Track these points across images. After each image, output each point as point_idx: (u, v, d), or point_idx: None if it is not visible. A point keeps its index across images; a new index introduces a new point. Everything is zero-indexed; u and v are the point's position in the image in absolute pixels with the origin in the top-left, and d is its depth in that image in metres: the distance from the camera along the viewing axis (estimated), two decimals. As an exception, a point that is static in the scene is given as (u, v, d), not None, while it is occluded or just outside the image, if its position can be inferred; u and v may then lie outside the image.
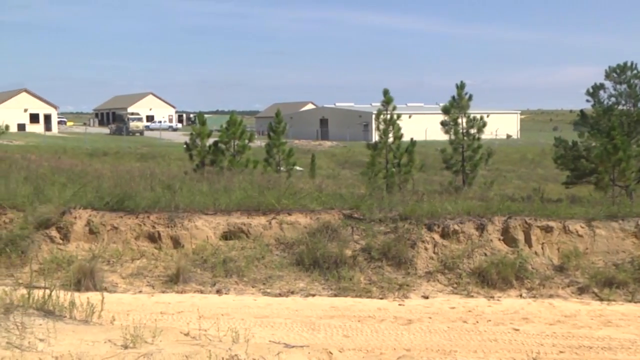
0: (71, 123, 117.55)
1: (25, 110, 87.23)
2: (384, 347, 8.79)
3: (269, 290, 11.42)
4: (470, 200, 15.83)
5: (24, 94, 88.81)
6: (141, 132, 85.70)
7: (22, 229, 12.87)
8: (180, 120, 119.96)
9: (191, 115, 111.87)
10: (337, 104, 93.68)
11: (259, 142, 32.53)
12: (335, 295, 11.29)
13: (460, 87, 25.16)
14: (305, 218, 13.34)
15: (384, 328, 9.58)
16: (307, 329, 9.42)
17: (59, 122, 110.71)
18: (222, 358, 5.39)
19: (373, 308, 10.58)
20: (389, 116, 23.77)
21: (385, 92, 23.86)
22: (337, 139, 73.87)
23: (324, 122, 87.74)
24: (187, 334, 6.19)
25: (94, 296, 7.46)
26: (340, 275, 11.83)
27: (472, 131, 25.02)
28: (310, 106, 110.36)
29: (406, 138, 24.38)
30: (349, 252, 12.38)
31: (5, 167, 20.88)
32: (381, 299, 11.20)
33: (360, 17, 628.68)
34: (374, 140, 25.59)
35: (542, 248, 12.62)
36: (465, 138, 24.93)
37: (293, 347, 6.04)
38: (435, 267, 12.23)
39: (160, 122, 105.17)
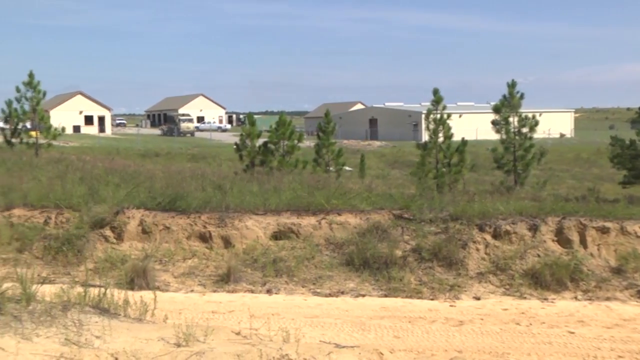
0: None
1: (80, 113, 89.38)
2: (435, 348, 8.70)
3: (319, 290, 11.43)
4: (523, 200, 15.57)
5: (79, 96, 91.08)
6: (192, 133, 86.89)
7: (78, 228, 13.16)
8: (230, 121, 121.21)
9: (241, 116, 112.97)
10: (386, 104, 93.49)
11: (308, 143, 32.59)
12: (386, 296, 11.23)
13: (512, 85, 24.80)
14: (355, 218, 13.31)
15: (435, 329, 9.48)
16: (357, 330, 9.39)
17: (119, 124, 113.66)
18: (273, 357, 5.40)
19: (424, 309, 10.48)
20: (438, 116, 23.59)
21: (435, 92, 23.70)
22: (386, 139, 73.65)
23: (373, 122, 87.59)
24: (238, 333, 6.22)
25: (146, 295, 7.55)
26: (391, 275, 11.77)
27: (524, 130, 24.62)
28: (359, 106, 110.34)
29: (456, 137, 24.16)
30: (399, 253, 12.31)
31: (62, 168, 21.37)
32: (432, 299, 11.09)
33: (410, 16, 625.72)
34: (423, 140, 25.41)
35: (598, 249, 12.32)
36: (516, 137, 24.53)
37: (344, 347, 6.02)
38: (486, 268, 12.06)
39: (210, 123, 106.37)
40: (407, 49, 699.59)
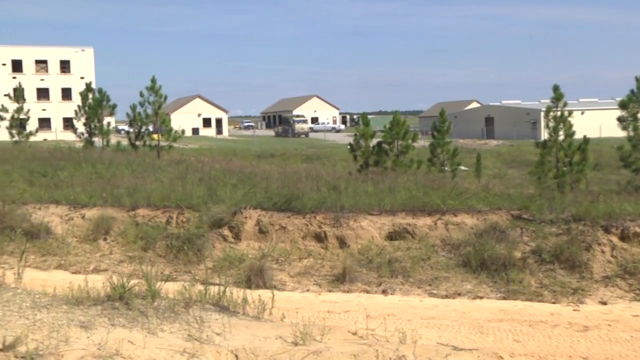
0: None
1: (199, 115, 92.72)
2: (558, 353, 8.35)
3: (435, 292, 11.26)
4: (653, 200, 14.71)
5: (197, 99, 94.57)
6: (306, 134, 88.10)
7: (198, 228, 13.60)
8: (343, 121, 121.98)
9: (354, 116, 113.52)
10: (503, 102, 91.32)
11: (423, 142, 32.28)
12: (504, 298, 10.91)
13: (640, 79, 23.50)
14: (472, 219, 13.03)
15: (558, 334, 9.11)
16: (475, 332, 9.17)
17: (247, 127, 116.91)
18: (390, 358, 5.36)
19: (545, 312, 10.11)
20: (559, 113, 22.73)
21: (556, 88, 22.84)
22: (503, 138, 71.90)
23: (489, 121, 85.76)
24: (354, 333, 6.22)
25: (264, 294, 7.69)
26: (509, 277, 11.43)
27: (655, 126, 23.28)
28: (474, 104, 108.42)
29: (578, 135, 23.18)
30: (518, 254, 11.94)
31: (182, 170, 22.16)
32: (553, 303, 10.67)
33: (527, 11, 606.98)
34: (543, 139, 24.59)
35: None
36: (645, 134, 23.22)
37: (461, 349, 5.90)
38: (613, 271, 11.48)
39: (324, 123, 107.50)
40: (525, 44, 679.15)
